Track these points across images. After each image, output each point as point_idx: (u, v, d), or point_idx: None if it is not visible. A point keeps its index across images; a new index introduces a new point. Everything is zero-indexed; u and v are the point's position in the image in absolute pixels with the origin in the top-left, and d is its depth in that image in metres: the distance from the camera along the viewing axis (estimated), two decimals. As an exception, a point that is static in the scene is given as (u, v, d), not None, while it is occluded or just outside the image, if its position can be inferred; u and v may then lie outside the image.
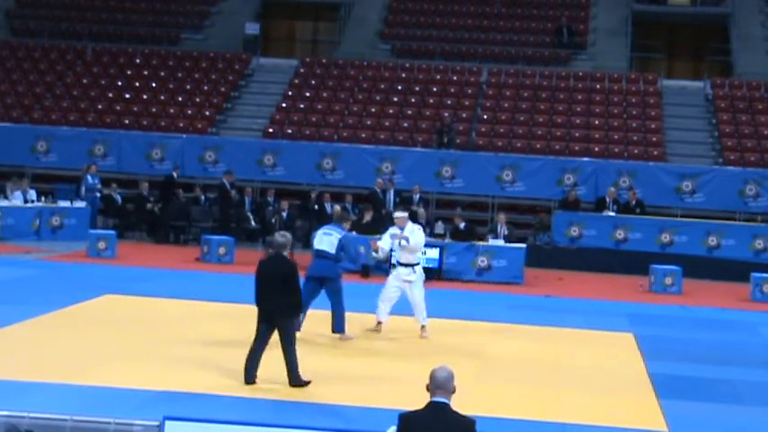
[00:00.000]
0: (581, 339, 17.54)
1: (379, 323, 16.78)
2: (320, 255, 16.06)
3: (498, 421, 11.61)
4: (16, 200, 27.16)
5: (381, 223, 25.34)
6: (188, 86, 34.29)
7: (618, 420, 12.24)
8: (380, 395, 12.68)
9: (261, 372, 12.78)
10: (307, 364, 14.08)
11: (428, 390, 7.39)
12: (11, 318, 15.94)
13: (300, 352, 13.00)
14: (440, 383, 7.32)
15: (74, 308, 17.45)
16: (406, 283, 16.60)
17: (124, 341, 15.09)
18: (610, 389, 13.99)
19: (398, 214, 17.20)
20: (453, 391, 7.36)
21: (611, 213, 27.69)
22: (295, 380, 12.73)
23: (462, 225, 25.72)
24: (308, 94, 33.89)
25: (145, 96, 33.68)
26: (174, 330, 16.14)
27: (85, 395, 11.83)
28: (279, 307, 12.71)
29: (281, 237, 13.25)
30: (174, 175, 29.32)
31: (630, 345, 17.07)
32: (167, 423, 8.60)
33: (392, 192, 28.30)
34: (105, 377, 12.74)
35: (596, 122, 32.62)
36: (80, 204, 27.81)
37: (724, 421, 12.70)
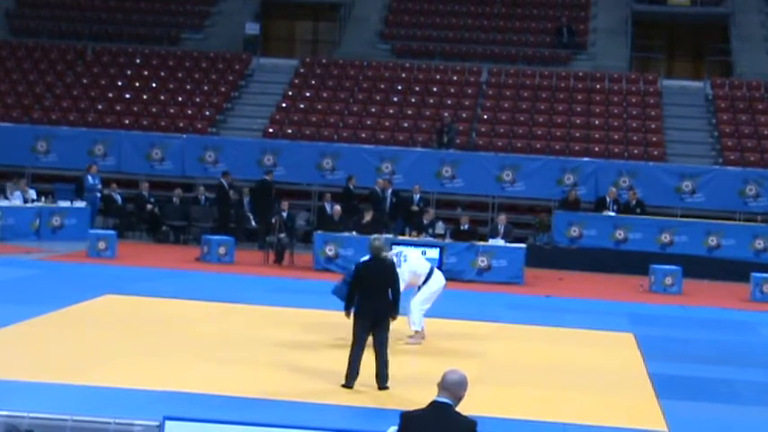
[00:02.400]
0: (581, 339, 17.54)
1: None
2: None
3: (498, 421, 11.60)
4: (16, 200, 27.14)
5: (381, 223, 25.38)
6: (188, 86, 34.27)
7: (618, 420, 12.24)
8: (380, 395, 12.70)
9: (258, 371, 12.75)
10: (307, 364, 14.09)
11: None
12: (11, 318, 15.93)
13: (302, 353, 12.98)
14: (447, 385, 7.25)
15: (74, 308, 17.44)
16: None
17: (124, 341, 15.08)
18: (610, 389, 13.99)
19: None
20: (461, 398, 7.29)
21: (611, 213, 27.67)
22: (385, 381, 12.93)
23: (466, 225, 25.72)
24: (308, 94, 33.88)
25: (145, 96, 33.66)
26: (175, 330, 16.14)
27: (85, 395, 11.83)
28: (381, 308, 13.03)
29: (377, 240, 13.45)
30: (268, 178, 28.16)
31: (630, 345, 17.06)
32: (167, 423, 8.59)
33: (389, 191, 28.27)
34: (105, 377, 12.73)
35: (596, 122, 32.61)
36: (80, 204, 27.79)
37: (724, 421, 12.70)
